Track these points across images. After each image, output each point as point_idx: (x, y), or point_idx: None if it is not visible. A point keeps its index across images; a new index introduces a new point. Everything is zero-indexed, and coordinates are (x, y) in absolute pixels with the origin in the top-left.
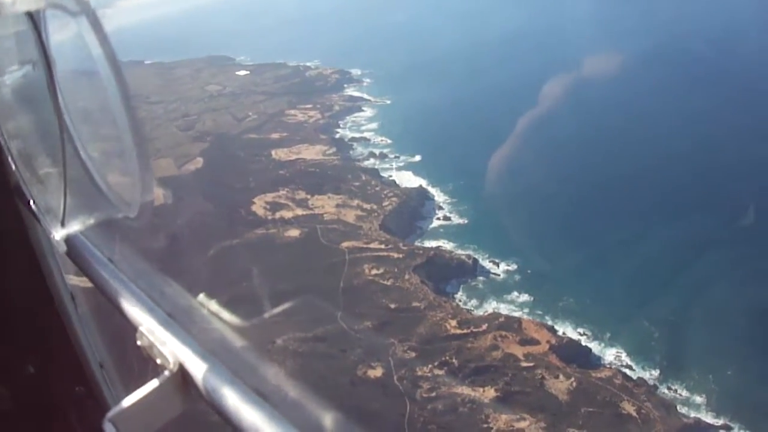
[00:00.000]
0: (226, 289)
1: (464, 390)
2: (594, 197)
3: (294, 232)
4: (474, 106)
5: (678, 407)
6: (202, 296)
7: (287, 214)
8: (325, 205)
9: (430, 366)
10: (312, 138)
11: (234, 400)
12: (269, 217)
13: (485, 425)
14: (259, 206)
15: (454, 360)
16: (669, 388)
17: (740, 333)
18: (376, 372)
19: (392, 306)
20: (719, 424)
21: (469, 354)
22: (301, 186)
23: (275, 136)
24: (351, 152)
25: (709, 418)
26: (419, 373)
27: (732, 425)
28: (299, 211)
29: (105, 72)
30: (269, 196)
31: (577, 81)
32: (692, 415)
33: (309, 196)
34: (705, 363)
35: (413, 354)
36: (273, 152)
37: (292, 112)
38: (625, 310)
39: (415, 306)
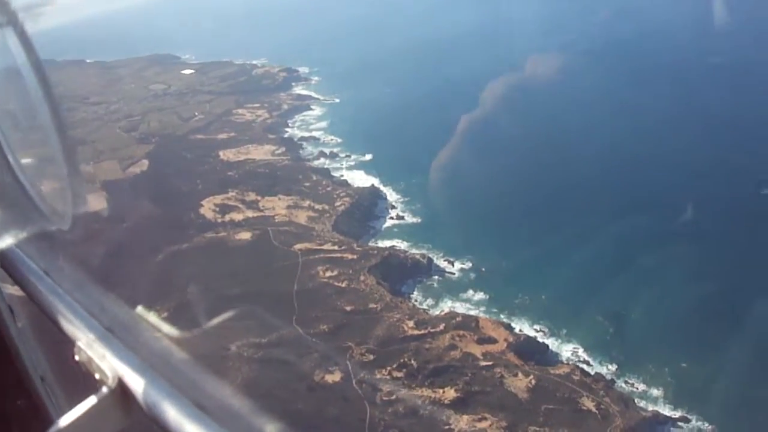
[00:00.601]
0: (176, 295)
1: (424, 392)
2: (543, 193)
3: (245, 235)
4: (424, 104)
5: (636, 401)
6: (140, 308)
7: (237, 217)
8: (276, 206)
9: (388, 368)
10: (260, 138)
11: (175, 414)
12: (219, 220)
13: (447, 427)
14: (207, 209)
15: (412, 361)
16: (626, 383)
17: (690, 325)
18: (334, 377)
19: (348, 308)
20: (677, 416)
21: (427, 355)
22: (250, 187)
23: (223, 136)
24: (301, 152)
25: (667, 411)
26: (378, 376)
27: (689, 417)
28: (250, 213)
29: (32, 81)
30: (218, 198)
31: (524, 78)
32: (650, 408)
33: (259, 198)
34: (660, 356)
35: (371, 357)
36: (221, 153)
37: (240, 111)
38: (579, 305)
39: (372, 308)
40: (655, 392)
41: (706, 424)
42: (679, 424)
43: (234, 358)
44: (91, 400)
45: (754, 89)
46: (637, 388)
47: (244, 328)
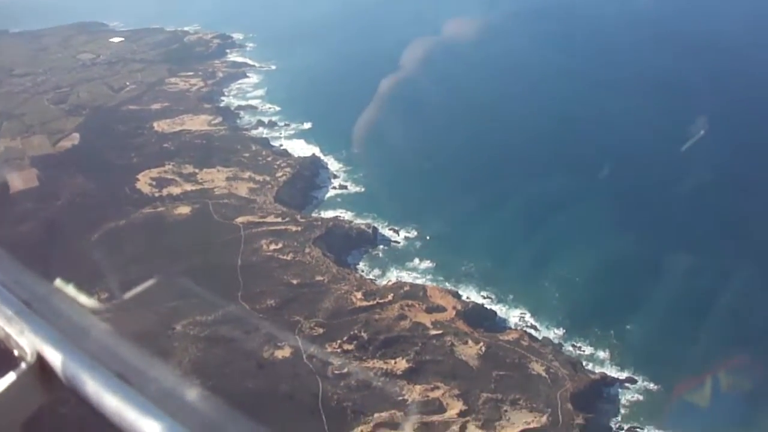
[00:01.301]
0: (115, 275)
1: (376, 364)
2: (478, 156)
3: (184, 210)
4: (361, 69)
5: (584, 363)
6: (58, 281)
7: (175, 190)
8: (215, 178)
9: (339, 341)
10: (196, 107)
11: (95, 386)
12: (156, 195)
13: (400, 398)
14: (144, 183)
15: (363, 333)
16: (573, 346)
17: (628, 282)
18: (284, 352)
19: (295, 282)
20: (624, 377)
21: (377, 326)
22: (187, 159)
23: (156, 106)
24: (238, 121)
25: (614, 372)
26: (329, 350)
27: (636, 377)
28: (188, 187)
29: None
30: (154, 172)
31: (456, 42)
32: (598, 370)
33: (197, 170)
34: (604, 318)
35: (321, 330)
36: (155, 124)
37: (173, 80)
38: (524, 270)
39: (319, 280)
40: (602, 354)
41: (652, 384)
42: (626, 385)
43: (180, 337)
44: (10, 377)
45: (685, 53)
46: (584, 351)
47: (189, 306)
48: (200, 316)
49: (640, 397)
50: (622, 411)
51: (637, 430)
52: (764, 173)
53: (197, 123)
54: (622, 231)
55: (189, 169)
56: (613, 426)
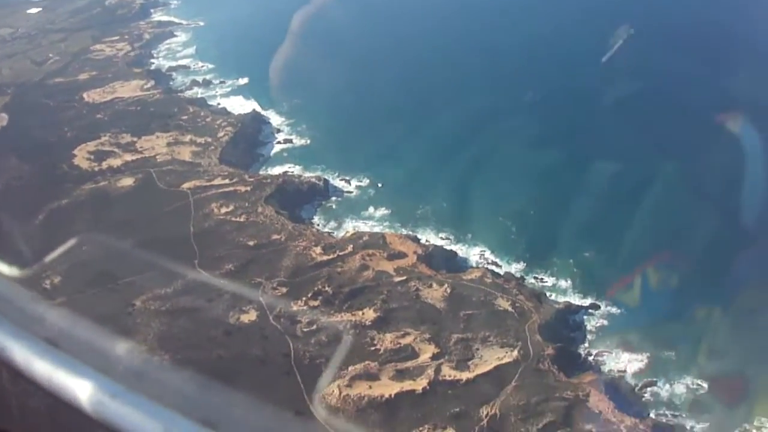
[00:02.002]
0: (65, 256)
1: (344, 317)
2: (416, 96)
3: (127, 181)
4: (290, 18)
5: (547, 294)
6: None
7: (115, 162)
8: (155, 145)
9: (304, 299)
10: (126, 73)
11: (23, 352)
12: (96, 169)
13: (372, 348)
14: (81, 158)
15: (327, 288)
16: (535, 278)
17: (579, 208)
18: (250, 316)
19: (251, 243)
20: (587, 304)
21: (341, 279)
22: (124, 128)
23: (84, 76)
24: (171, 83)
25: (577, 300)
26: (295, 309)
27: (598, 303)
28: (128, 157)
29: None
30: (91, 145)
31: None
32: (562, 299)
33: (135, 139)
34: (562, 248)
35: (284, 290)
36: (85, 95)
37: (98, 47)
38: (479, 208)
39: (275, 239)
40: (564, 284)
41: (615, 308)
42: (590, 311)
43: (141, 314)
44: None
45: None
46: (547, 283)
47: (146, 280)
48: (159, 289)
49: (605, 322)
50: (589, 337)
51: (605, 353)
52: (682, 76)
53: (129, 89)
54: (560, 154)
55: (127, 138)
56: (582, 353)
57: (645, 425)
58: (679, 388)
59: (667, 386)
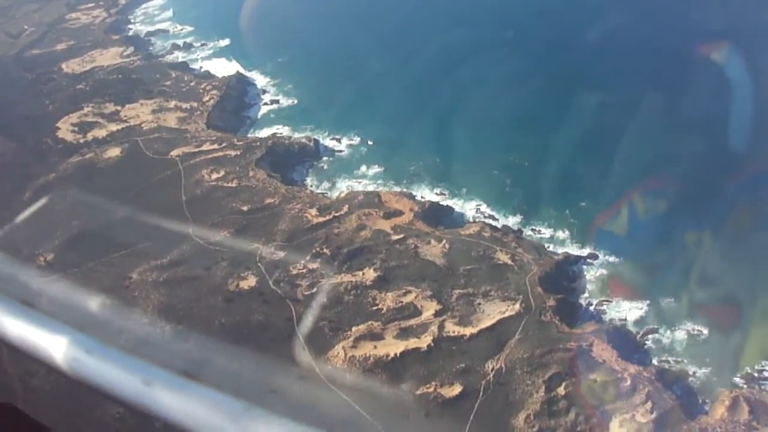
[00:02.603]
0: (60, 233)
1: (344, 278)
2: (400, 47)
3: (114, 152)
4: None
5: (546, 246)
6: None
7: (100, 133)
8: (140, 113)
9: (302, 262)
10: (104, 41)
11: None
12: (81, 141)
13: (374, 307)
14: (65, 131)
15: (325, 250)
16: (533, 230)
17: (573, 157)
18: (249, 282)
19: (245, 208)
20: (586, 254)
21: (338, 240)
22: (107, 98)
23: (62, 46)
24: (151, 48)
25: (575, 251)
26: (294, 272)
27: (597, 253)
28: (113, 127)
29: None
30: (74, 117)
31: None
32: (560, 251)
33: (119, 108)
34: (558, 198)
35: (282, 254)
36: (64, 65)
37: (74, 15)
38: (472, 161)
39: (269, 203)
40: (561, 235)
41: (613, 257)
42: (589, 261)
43: (139, 286)
44: None
45: None
46: (545, 234)
47: (141, 252)
48: (154, 260)
49: (604, 271)
50: (589, 287)
51: (606, 302)
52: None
53: (108, 57)
54: (547, 95)
55: (110, 107)
56: (582, 303)
57: (648, 372)
58: (680, 335)
59: (668, 333)
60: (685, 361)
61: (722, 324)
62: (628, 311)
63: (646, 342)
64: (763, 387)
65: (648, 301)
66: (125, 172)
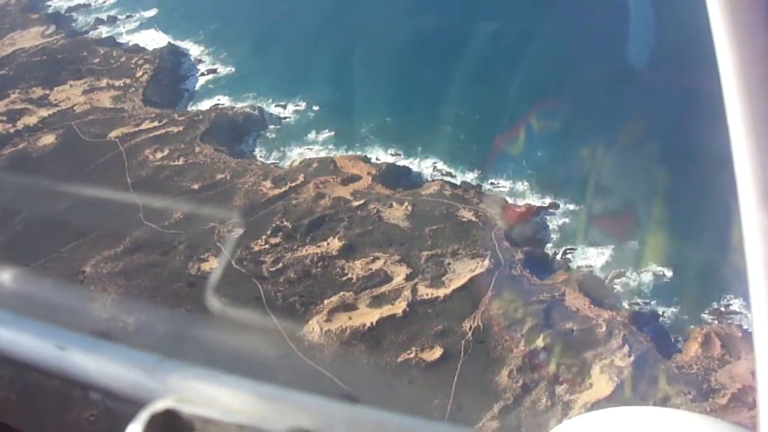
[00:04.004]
0: (3, 231)
1: (309, 250)
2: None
3: (48, 139)
4: None
5: (507, 199)
6: None
7: (31, 120)
8: (71, 95)
9: (263, 237)
10: (23, 21)
11: None
12: (11, 130)
13: (344, 277)
14: None
15: (285, 223)
16: (492, 184)
17: (521, 103)
18: (211, 263)
19: (195, 186)
20: (548, 204)
21: (297, 211)
22: (33, 82)
23: None
24: (74, 25)
25: (536, 201)
26: (256, 249)
27: (557, 202)
28: (44, 112)
29: None
30: (0, 105)
31: None
32: (522, 202)
33: (48, 91)
34: (514, 150)
35: (240, 231)
36: None
37: None
38: (423, 117)
39: (221, 178)
40: (521, 186)
41: (573, 205)
42: (551, 210)
43: (94, 279)
44: None
45: None
46: (504, 188)
47: (92, 243)
48: (107, 250)
49: (566, 220)
50: (553, 237)
51: (571, 250)
52: None
53: (29, 38)
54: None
55: (38, 92)
56: (549, 253)
57: (621, 316)
58: (647, 277)
59: (635, 275)
60: (654, 302)
61: (686, 263)
62: (594, 257)
63: (615, 286)
64: (731, 321)
65: (612, 246)
66: (63, 159)
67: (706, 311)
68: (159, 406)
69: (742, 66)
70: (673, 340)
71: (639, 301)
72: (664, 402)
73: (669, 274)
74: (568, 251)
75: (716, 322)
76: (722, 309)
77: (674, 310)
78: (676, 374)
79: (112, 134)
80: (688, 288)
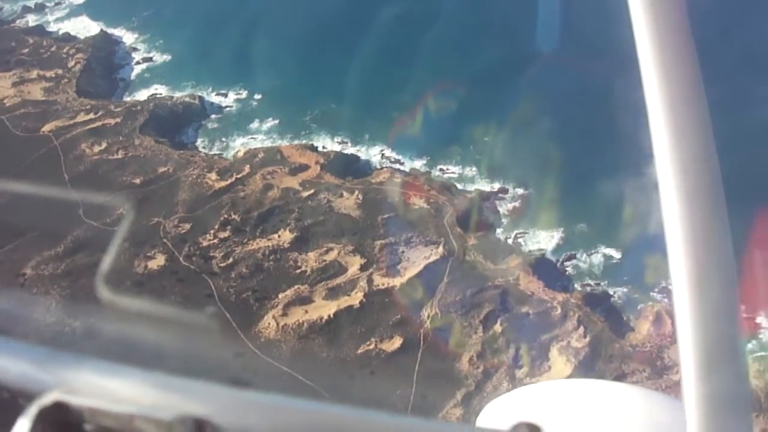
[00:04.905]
0: None
1: (260, 243)
2: None
3: None
4: None
5: (457, 185)
6: None
7: None
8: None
9: (212, 232)
10: None
11: None
12: None
13: (298, 270)
14: None
15: (234, 216)
16: (441, 170)
17: (468, 89)
18: (158, 261)
19: (137, 181)
20: (497, 189)
21: (246, 204)
22: None
23: None
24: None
25: (486, 187)
26: (205, 244)
27: (506, 186)
28: None
29: None
30: None
31: None
32: (472, 188)
33: None
34: (461, 135)
35: (187, 225)
36: None
37: None
38: (368, 105)
39: (163, 172)
40: (470, 172)
41: (521, 189)
42: (501, 195)
43: (36, 281)
44: None
45: None
46: (454, 173)
47: (31, 243)
48: (48, 250)
49: (516, 204)
50: (504, 221)
51: (523, 234)
52: None
53: None
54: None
55: None
56: (501, 237)
57: (575, 298)
58: (597, 258)
59: (585, 257)
60: (605, 283)
61: (633, 243)
62: (545, 241)
63: (567, 269)
64: None
65: (562, 228)
66: None
67: (656, 290)
68: (47, 399)
69: (659, 46)
70: (625, 319)
71: (591, 282)
72: (621, 381)
73: (617, 255)
74: (519, 235)
75: (666, 300)
76: (671, 287)
77: (624, 290)
78: (631, 353)
79: (46, 128)
80: (637, 267)
